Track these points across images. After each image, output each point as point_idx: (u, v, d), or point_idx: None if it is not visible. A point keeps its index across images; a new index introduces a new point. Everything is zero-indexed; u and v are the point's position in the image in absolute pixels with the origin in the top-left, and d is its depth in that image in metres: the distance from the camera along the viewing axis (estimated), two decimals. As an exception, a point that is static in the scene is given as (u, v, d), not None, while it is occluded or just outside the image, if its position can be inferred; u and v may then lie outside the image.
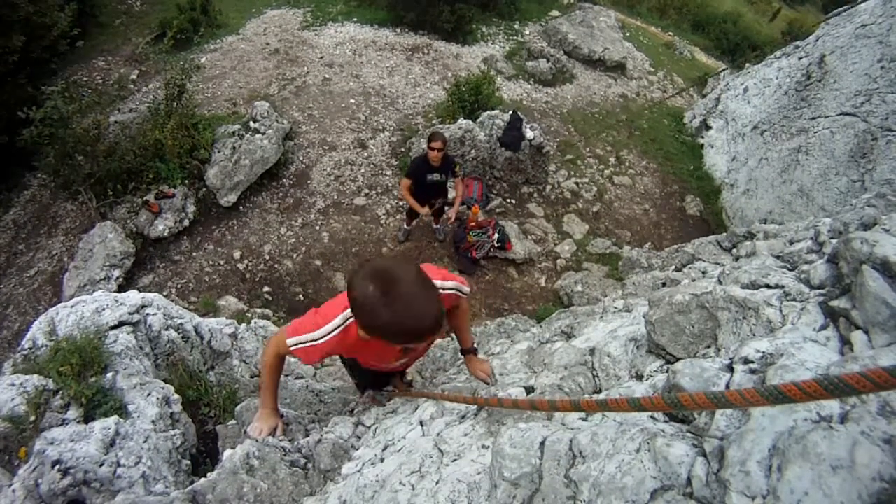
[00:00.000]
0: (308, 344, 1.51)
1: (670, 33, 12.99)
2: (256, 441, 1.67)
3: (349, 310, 1.45)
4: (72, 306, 2.62)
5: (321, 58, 8.98)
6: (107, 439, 1.90)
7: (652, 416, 0.80)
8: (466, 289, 1.73)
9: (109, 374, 2.22)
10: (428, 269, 1.54)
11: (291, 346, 1.53)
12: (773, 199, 6.82)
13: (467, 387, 1.83)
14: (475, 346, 1.95)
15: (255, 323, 3.98)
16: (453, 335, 4.01)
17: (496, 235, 6.24)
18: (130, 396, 2.18)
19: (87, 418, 2.03)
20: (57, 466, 1.74)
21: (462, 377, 2.01)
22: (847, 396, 0.54)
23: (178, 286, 5.87)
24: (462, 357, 2.13)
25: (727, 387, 0.76)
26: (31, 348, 2.41)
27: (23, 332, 3.88)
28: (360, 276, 1.26)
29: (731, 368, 0.79)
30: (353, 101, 8.21)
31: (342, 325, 1.49)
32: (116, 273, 5.61)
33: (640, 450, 0.69)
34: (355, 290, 1.26)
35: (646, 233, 7.40)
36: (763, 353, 0.77)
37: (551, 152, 7.75)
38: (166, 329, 2.78)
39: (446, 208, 5.76)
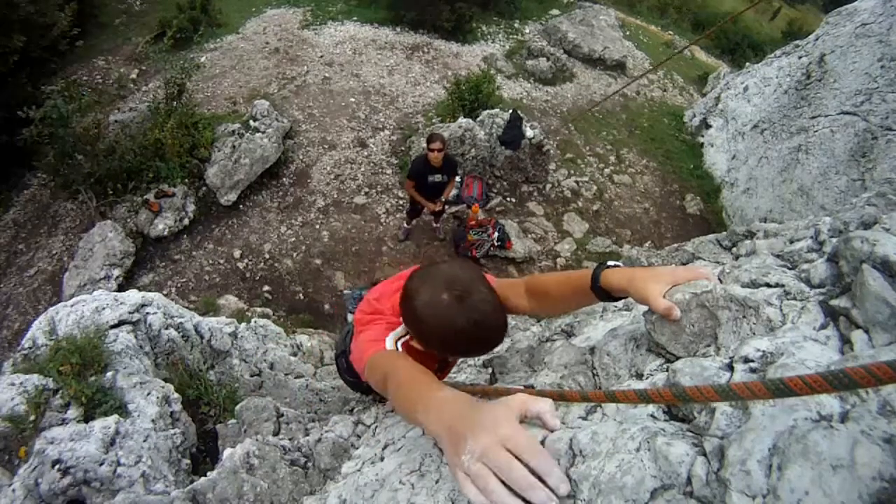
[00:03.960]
0: (401, 341, 1.31)
1: (670, 32, 12.98)
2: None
3: (395, 332, 1.33)
4: (72, 305, 2.62)
5: (321, 57, 8.98)
6: (107, 438, 1.90)
7: (652, 415, 0.80)
8: None
9: (109, 374, 2.22)
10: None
11: (390, 346, 1.30)
12: (773, 198, 6.82)
13: (467, 386, 1.83)
14: (603, 266, 1.12)
15: (255, 322, 3.98)
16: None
17: (496, 234, 6.24)
18: (130, 395, 2.18)
19: (87, 417, 2.03)
20: (57, 466, 1.74)
21: (462, 376, 2.01)
22: (850, 390, 0.54)
23: (178, 285, 5.87)
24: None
25: (727, 386, 0.76)
26: (31, 348, 2.41)
27: (23, 332, 3.88)
28: (427, 284, 1.17)
29: (731, 367, 0.79)
30: (353, 99, 8.20)
31: (404, 335, 1.34)
32: (116, 272, 5.61)
33: (641, 449, 0.69)
34: (420, 297, 1.16)
35: (646, 231, 7.40)
36: (763, 351, 0.77)
37: (551, 151, 7.75)
38: (166, 328, 2.78)
39: (446, 207, 5.77)
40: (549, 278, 1.33)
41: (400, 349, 1.28)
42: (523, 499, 0.67)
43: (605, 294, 1.10)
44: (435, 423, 0.83)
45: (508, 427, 0.72)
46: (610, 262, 1.12)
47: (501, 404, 0.79)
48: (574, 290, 1.18)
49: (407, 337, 1.32)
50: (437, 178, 5.10)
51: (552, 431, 0.83)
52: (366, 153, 7.44)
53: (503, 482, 0.68)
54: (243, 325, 3.72)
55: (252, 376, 3.16)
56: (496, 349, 1.14)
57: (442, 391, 0.90)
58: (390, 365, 1.14)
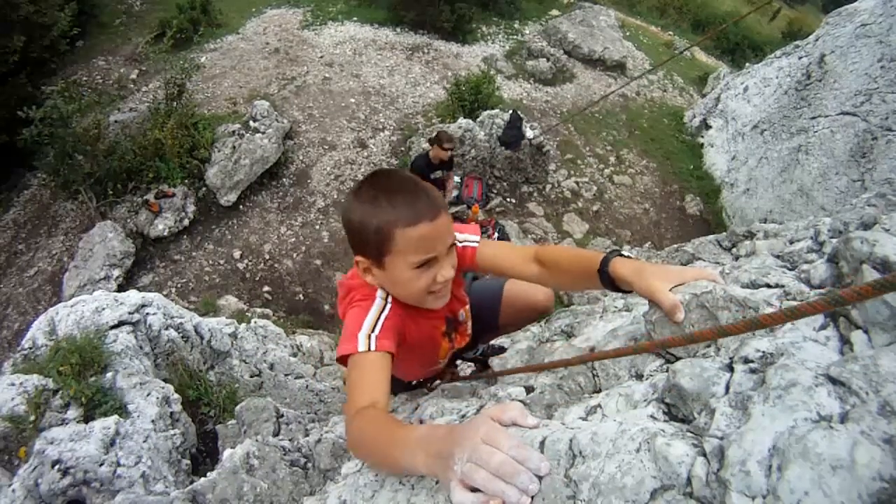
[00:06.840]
0: (378, 325, 1.13)
1: (670, 33, 12.99)
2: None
3: (369, 315, 1.16)
4: (71, 306, 2.62)
5: (321, 57, 8.98)
6: (107, 439, 1.90)
7: (652, 416, 0.80)
8: (474, 237, 1.33)
9: (109, 374, 2.22)
10: None
11: (363, 346, 1.09)
12: (772, 199, 6.82)
13: (467, 387, 1.83)
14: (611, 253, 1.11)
15: (255, 322, 3.98)
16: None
17: (496, 235, 6.24)
18: (130, 396, 2.18)
19: (87, 418, 2.03)
20: (57, 466, 1.74)
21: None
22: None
23: (178, 286, 5.87)
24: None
25: (727, 387, 0.75)
26: (30, 348, 2.41)
27: (23, 332, 3.88)
28: (348, 203, 1.16)
29: (731, 368, 0.79)
30: (352, 100, 8.21)
31: (384, 307, 1.20)
32: (116, 273, 5.61)
33: (640, 449, 0.69)
34: (348, 212, 1.14)
35: (646, 232, 7.40)
36: (763, 352, 0.77)
37: (551, 152, 7.75)
38: (166, 329, 2.77)
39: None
40: (562, 251, 1.31)
41: (374, 346, 1.09)
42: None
43: (609, 282, 1.08)
44: (424, 461, 0.81)
45: (485, 427, 0.76)
46: (624, 251, 1.11)
47: (477, 415, 0.84)
48: (583, 269, 1.16)
49: (385, 317, 1.16)
50: (439, 173, 5.13)
51: (533, 428, 0.85)
52: (366, 154, 7.44)
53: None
54: (243, 325, 3.72)
55: (252, 377, 3.16)
56: (439, 212, 1.07)
57: (416, 431, 0.87)
58: (353, 393, 1.03)
